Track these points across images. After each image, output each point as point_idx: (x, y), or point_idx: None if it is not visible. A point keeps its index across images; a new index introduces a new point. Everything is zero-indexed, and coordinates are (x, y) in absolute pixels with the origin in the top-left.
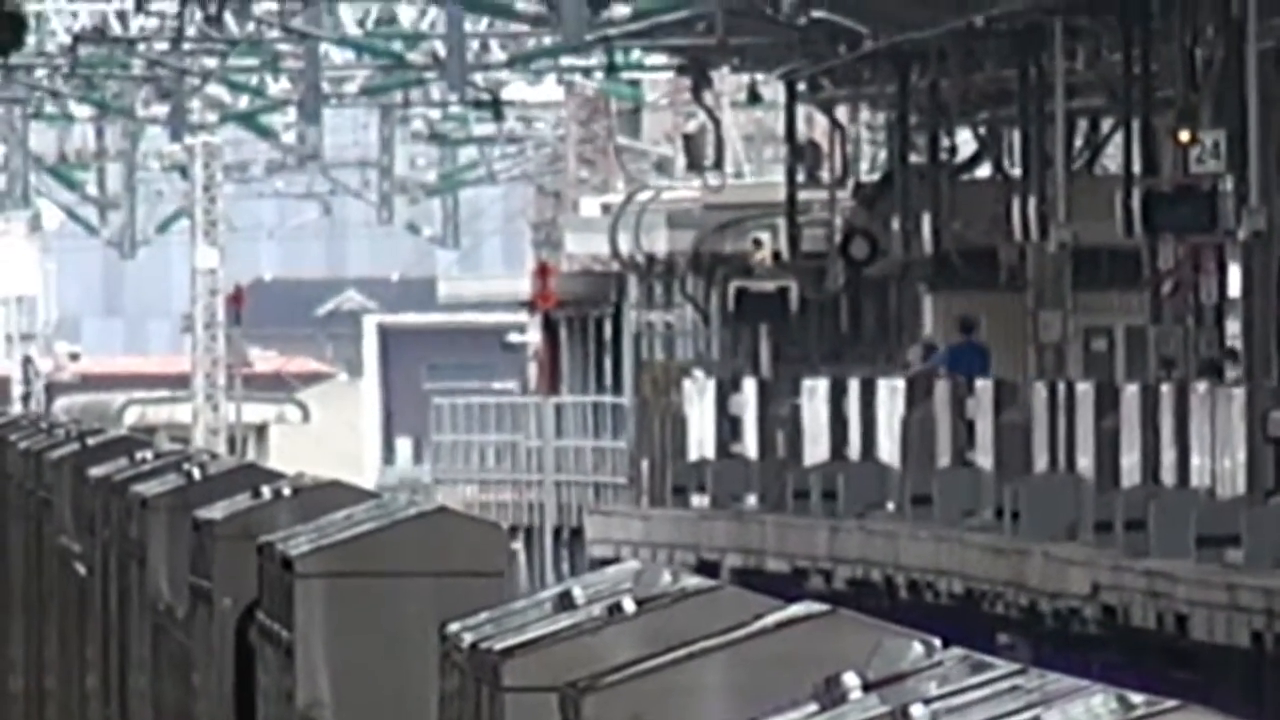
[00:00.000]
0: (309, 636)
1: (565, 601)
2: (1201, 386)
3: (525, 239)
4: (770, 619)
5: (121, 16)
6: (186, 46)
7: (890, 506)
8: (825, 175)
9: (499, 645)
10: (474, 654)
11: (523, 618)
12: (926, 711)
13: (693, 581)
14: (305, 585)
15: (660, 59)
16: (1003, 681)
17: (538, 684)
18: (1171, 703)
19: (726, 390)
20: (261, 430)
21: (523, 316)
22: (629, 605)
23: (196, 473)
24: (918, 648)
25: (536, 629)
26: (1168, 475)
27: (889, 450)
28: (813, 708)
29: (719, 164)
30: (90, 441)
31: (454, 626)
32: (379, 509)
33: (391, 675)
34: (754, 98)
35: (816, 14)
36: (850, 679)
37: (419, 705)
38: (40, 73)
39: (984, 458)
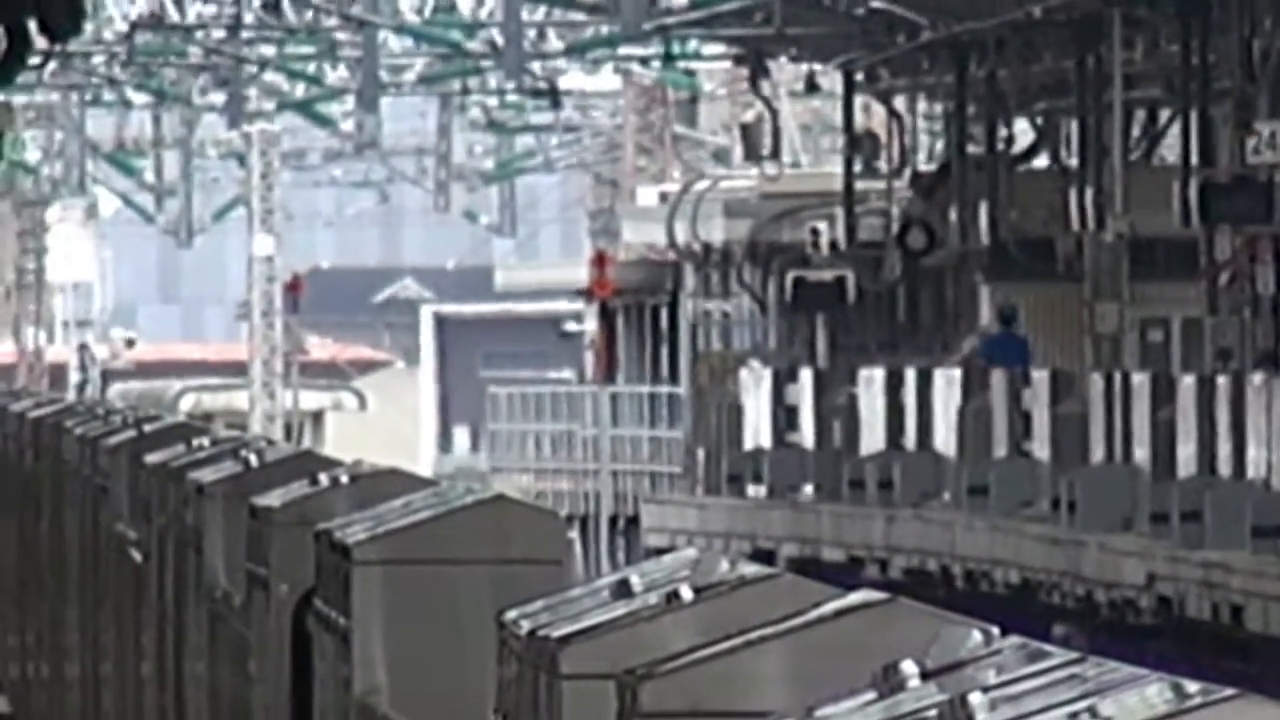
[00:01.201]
0: (366, 624)
1: (623, 589)
2: (1258, 378)
3: (582, 228)
4: (829, 607)
5: (179, 4)
6: (244, 34)
7: (946, 496)
8: (882, 165)
9: (557, 633)
10: (532, 641)
11: (580, 605)
12: (985, 700)
13: (751, 569)
14: (363, 572)
15: (718, 48)
16: (1061, 670)
17: (595, 671)
18: (1229, 691)
19: (783, 380)
20: (318, 417)
21: (579, 305)
22: (687, 593)
23: (253, 460)
24: (976, 636)
25: (594, 616)
26: (1224, 466)
27: (945, 440)
28: (871, 695)
29: (776, 153)
30: (147, 428)
31: (511, 614)
32: (436, 497)
33: (449, 663)
34: (811, 87)
35: (874, 4)
36: (909, 667)
37: (476, 693)
38: (98, 60)
39: (1040, 448)
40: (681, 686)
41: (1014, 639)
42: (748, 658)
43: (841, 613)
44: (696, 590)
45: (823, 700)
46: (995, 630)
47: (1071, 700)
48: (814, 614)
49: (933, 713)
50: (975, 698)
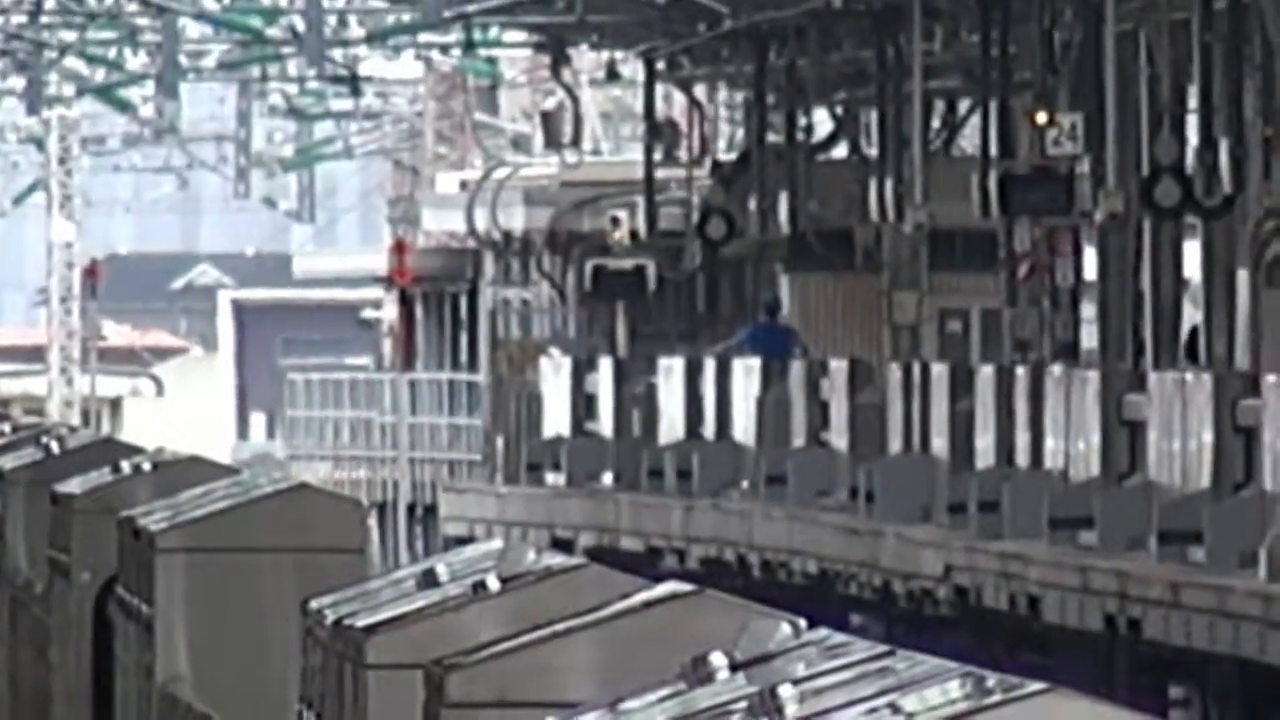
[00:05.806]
0: (169, 611)
1: (429, 579)
2: (1057, 369)
3: (382, 215)
4: (636, 598)
5: None
6: (44, 19)
7: (745, 486)
8: (683, 154)
9: (362, 622)
10: (337, 631)
11: (386, 595)
12: (794, 692)
13: (557, 560)
14: (166, 560)
15: (519, 36)
16: (871, 663)
17: (402, 661)
18: (1038, 685)
19: (582, 368)
20: (116, 404)
21: (378, 293)
22: (493, 583)
23: (55, 446)
24: (785, 629)
25: (400, 606)
26: (1022, 457)
27: (744, 430)
28: (680, 686)
29: (577, 141)
30: None
31: (316, 603)
32: (239, 485)
33: (252, 651)
34: (612, 75)
35: None
36: (718, 659)
37: (280, 681)
38: None
39: (839, 438)
40: (489, 677)
41: (822, 631)
42: (555, 648)
43: (649, 604)
44: (503, 580)
45: (632, 691)
46: (803, 623)
47: (881, 694)
48: (621, 605)
49: (742, 704)
50: (785, 690)
